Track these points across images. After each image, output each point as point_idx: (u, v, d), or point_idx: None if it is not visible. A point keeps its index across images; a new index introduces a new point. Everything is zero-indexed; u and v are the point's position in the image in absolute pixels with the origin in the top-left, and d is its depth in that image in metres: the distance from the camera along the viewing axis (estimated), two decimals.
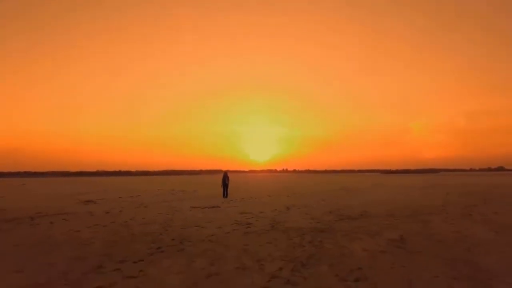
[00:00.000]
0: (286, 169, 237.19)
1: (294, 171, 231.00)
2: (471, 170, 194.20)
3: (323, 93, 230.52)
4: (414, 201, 15.84)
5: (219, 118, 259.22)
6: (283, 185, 36.46)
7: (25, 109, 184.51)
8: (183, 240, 7.19)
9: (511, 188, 25.21)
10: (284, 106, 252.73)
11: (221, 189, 19.49)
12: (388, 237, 7.19)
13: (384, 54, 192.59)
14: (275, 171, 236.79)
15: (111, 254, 6.03)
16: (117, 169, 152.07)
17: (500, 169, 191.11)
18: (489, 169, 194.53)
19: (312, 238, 7.24)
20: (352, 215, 10.92)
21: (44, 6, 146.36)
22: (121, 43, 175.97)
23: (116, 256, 5.84)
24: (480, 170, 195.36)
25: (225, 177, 19.46)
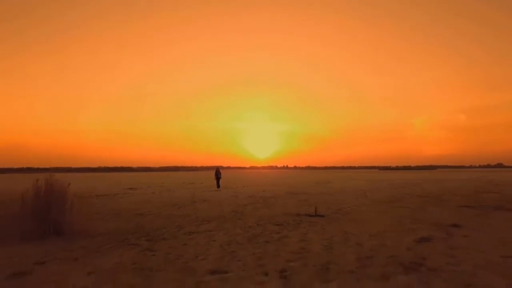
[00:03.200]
0: (287, 166, 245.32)
1: (295, 167, 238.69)
2: (470, 167, 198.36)
3: (324, 90, 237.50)
4: (351, 187, 23.66)
5: (220, 115, 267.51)
6: (274, 179, 44.46)
7: (26, 105, 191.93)
8: (204, 200, 15.19)
9: (429, 182, 32.86)
10: (285, 103, 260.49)
11: (215, 182, 25.68)
12: (301, 199, 15.09)
13: (385, 51, 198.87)
14: (276, 167, 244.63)
15: (176, 202, 14.02)
16: (118, 165, 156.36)
17: (499, 165, 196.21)
18: (488, 166, 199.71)
19: (265, 199, 15.20)
20: (297, 193, 18.78)
21: (44, 5, 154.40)
22: (123, 40, 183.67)
23: (178, 203, 13.82)
24: (480, 166, 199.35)
25: (217, 172, 26.31)
